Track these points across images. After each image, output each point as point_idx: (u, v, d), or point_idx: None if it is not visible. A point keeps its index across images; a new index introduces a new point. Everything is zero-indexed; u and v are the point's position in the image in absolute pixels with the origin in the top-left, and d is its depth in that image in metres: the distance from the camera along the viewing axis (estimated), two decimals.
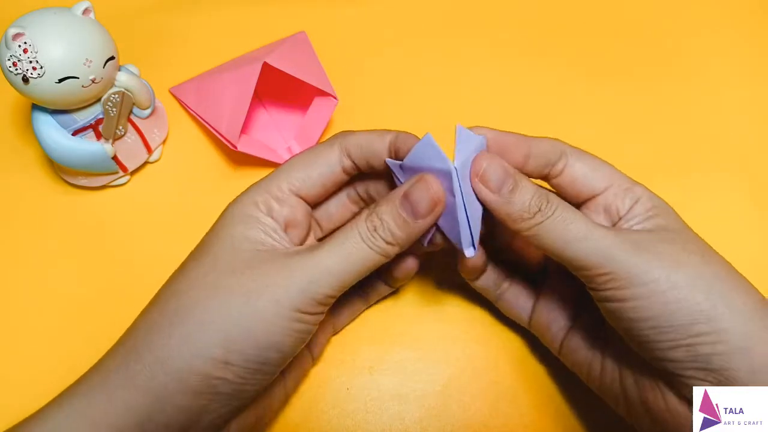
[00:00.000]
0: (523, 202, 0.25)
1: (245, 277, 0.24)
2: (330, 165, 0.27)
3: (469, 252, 0.26)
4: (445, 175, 0.24)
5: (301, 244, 0.28)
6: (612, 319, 0.25)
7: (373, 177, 0.29)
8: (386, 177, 0.29)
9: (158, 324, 0.24)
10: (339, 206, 0.30)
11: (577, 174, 0.27)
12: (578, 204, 0.28)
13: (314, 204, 0.28)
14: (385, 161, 0.27)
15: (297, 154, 0.28)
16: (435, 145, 0.24)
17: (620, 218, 0.26)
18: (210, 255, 0.25)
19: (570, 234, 0.24)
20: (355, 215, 0.30)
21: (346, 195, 0.30)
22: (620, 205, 0.26)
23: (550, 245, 0.25)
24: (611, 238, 0.24)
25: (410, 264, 0.29)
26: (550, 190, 0.27)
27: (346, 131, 0.28)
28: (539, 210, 0.24)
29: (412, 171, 0.25)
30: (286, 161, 0.28)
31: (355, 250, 0.24)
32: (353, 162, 0.27)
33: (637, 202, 0.26)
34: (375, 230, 0.24)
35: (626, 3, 0.46)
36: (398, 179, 0.27)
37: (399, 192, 0.25)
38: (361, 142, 0.27)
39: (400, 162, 0.26)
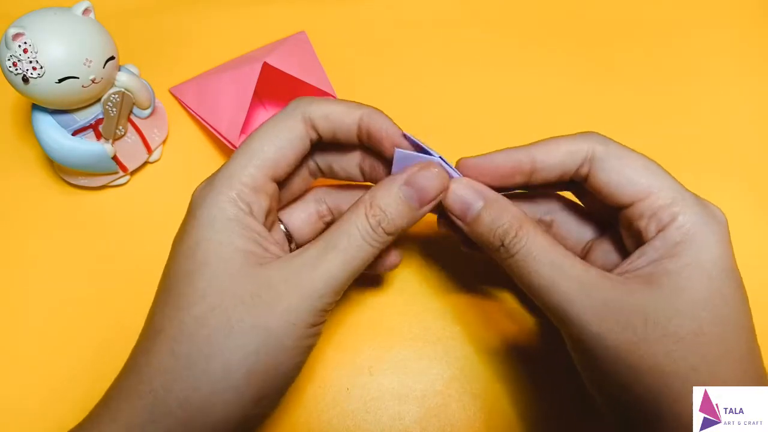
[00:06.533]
0: (486, 234, 0.23)
1: (257, 309, 0.22)
2: (301, 139, 0.25)
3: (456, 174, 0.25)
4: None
5: (263, 223, 0.26)
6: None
7: (334, 150, 0.27)
8: (347, 148, 0.27)
9: (176, 371, 0.21)
10: (298, 179, 0.28)
11: (603, 181, 0.23)
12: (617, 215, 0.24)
13: (281, 183, 0.26)
14: (359, 141, 0.25)
15: (256, 132, 0.24)
16: (409, 154, 0.24)
17: (639, 248, 0.23)
18: (206, 277, 0.22)
19: (533, 280, 0.22)
20: (312, 188, 0.29)
21: (306, 167, 0.28)
22: (646, 228, 0.22)
23: (520, 284, 0.24)
24: (574, 292, 0.22)
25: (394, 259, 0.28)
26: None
27: (302, 98, 0.25)
28: (501, 245, 0.23)
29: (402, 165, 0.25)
30: (248, 140, 0.24)
31: (357, 251, 0.23)
32: (318, 133, 0.25)
33: (668, 227, 0.22)
34: (379, 224, 0.23)
35: (626, 2, 0.46)
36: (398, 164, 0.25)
37: (398, 180, 0.23)
38: (329, 115, 0.25)
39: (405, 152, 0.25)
